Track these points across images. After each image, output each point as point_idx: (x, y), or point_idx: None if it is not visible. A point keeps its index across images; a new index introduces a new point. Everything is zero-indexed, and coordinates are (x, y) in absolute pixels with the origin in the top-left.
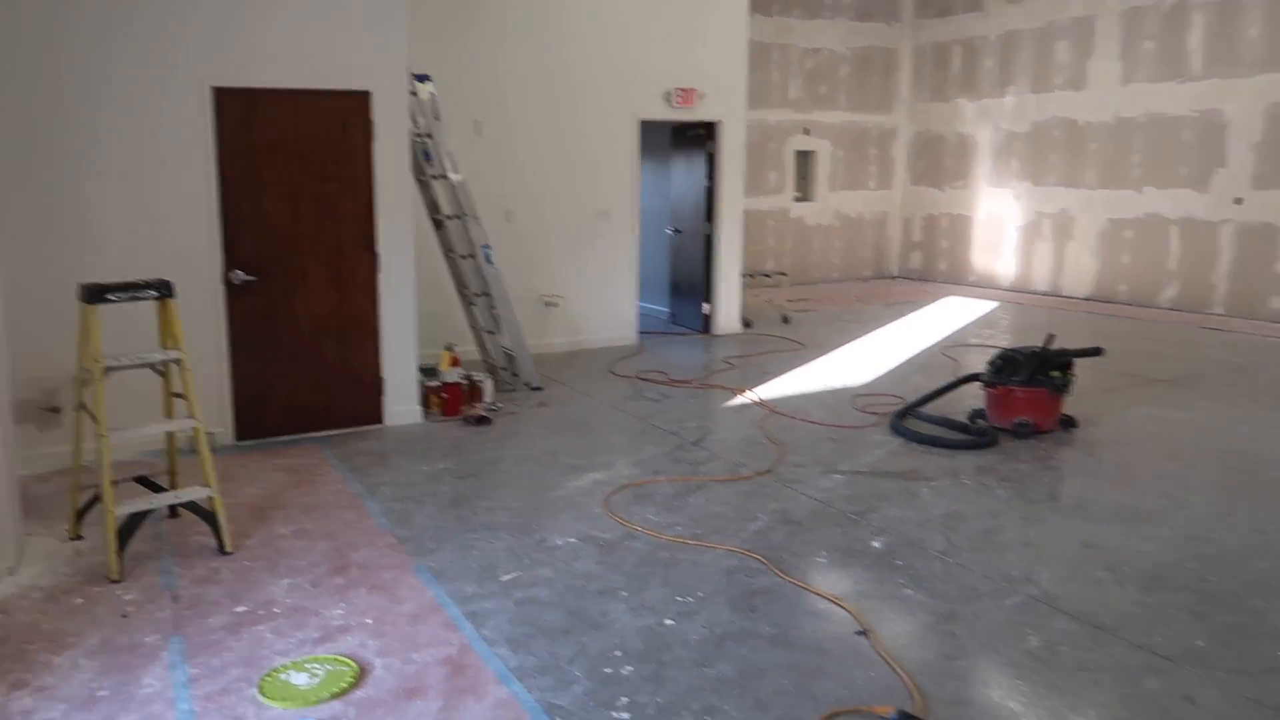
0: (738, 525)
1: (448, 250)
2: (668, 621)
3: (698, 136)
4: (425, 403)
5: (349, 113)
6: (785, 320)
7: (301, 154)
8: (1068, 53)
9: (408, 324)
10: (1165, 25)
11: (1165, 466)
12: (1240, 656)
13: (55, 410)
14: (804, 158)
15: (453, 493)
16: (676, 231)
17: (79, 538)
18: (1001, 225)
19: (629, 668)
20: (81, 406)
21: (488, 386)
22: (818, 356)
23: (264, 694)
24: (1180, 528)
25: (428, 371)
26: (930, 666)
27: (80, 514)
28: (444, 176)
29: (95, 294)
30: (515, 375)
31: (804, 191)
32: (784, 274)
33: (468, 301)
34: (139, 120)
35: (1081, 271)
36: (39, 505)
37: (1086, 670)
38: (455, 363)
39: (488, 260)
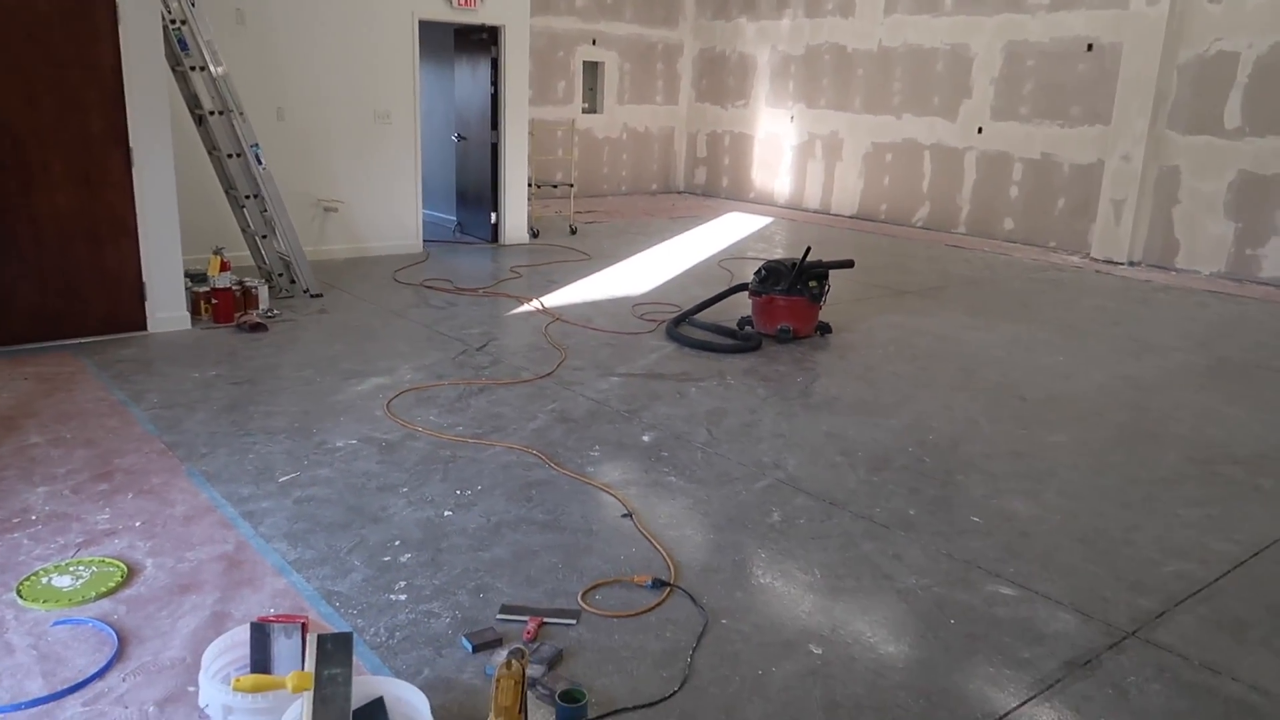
0: (518, 424)
1: (211, 148)
2: (446, 513)
3: (481, 40)
4: (194, 309)
5: None
6: (572, 231)
7: (35, 37)
8: None
9: (169, 225)
10: None
11: (902, 367)
12: (941, 522)
13: None
14: (592, 69)
15: (226, 399)
16: (461, 138)
17: None
18: (779, 145)
19: (407, 555)
20: None
21: (263, 293)
22: (603, 267)
23: (23, 596)
24: (908, 419)
25: (196, 277)
26: (686, 541)
27: None
28: (204, 68)
29: None
30: (293, 281)
31: (592, 103)
32: (571, 185)
33: (237, 204)
34: None
35: (848, 191)
36: None
37: (817, 538)
38: (225, 267)
39: (257, 160)
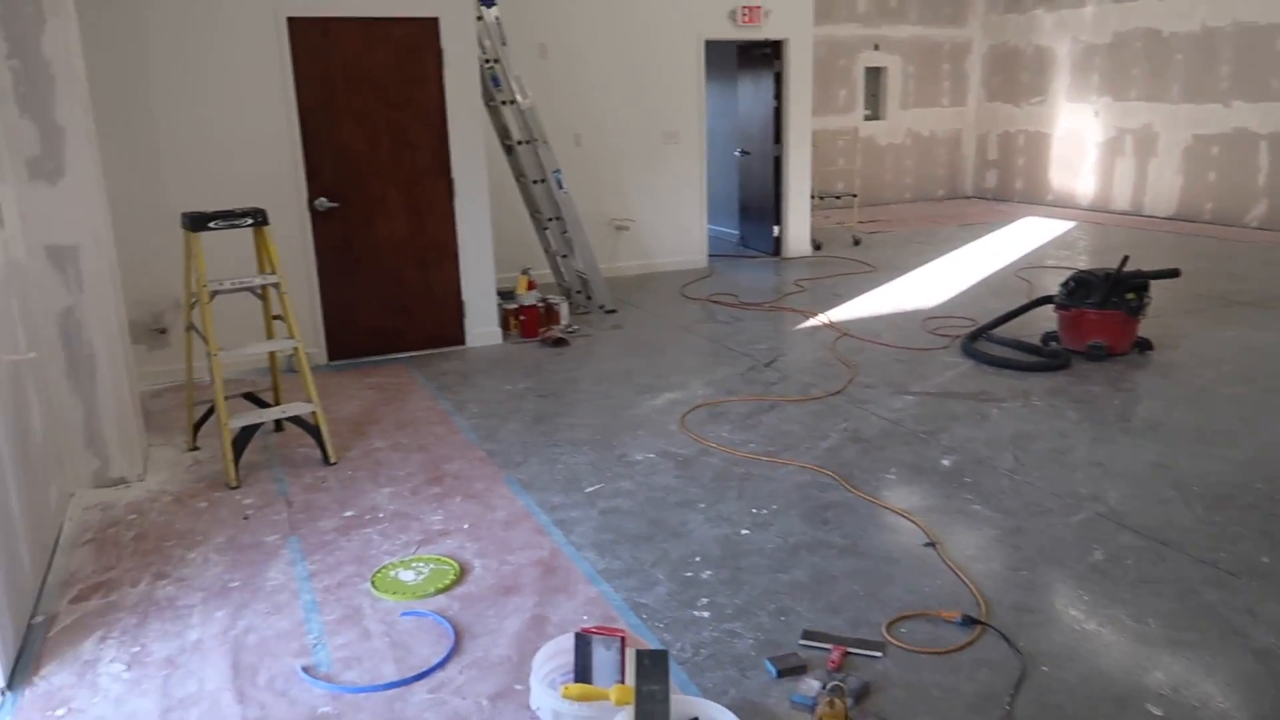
0: (809, 443)
1: (519, 175)
2: (743, 531)
3: (764, 55)
4: (504, 325)
5: (419, 39)
6: (856, 242)
7: (375, 82)
8: None
9: (484, 248)
10: None
11: (1240, 389)
12: None
13: (162, 331)
14: (874, 75)
15: (535, 410)
16: (744, 153)
17: (196, 448)
18: (1081, 142)
19: (708, 572)
20: (191, 328)
21: (563, 309)
22: (889, 279)
23: (376, 588)
24: (1252, 450)
25: (505, 295)
26: (995, 576)
27: (196, 427)
28: (513, 101)
29: (198, 222)
30: (589, 298)
31: (874, 110)
32: (854, 195)
33: (541, 226)
34: (219, 52)
35: (1164, 190)
36: (155, 419)
37: (1148, 582)
38: (531, 286)
39: (559, 185)
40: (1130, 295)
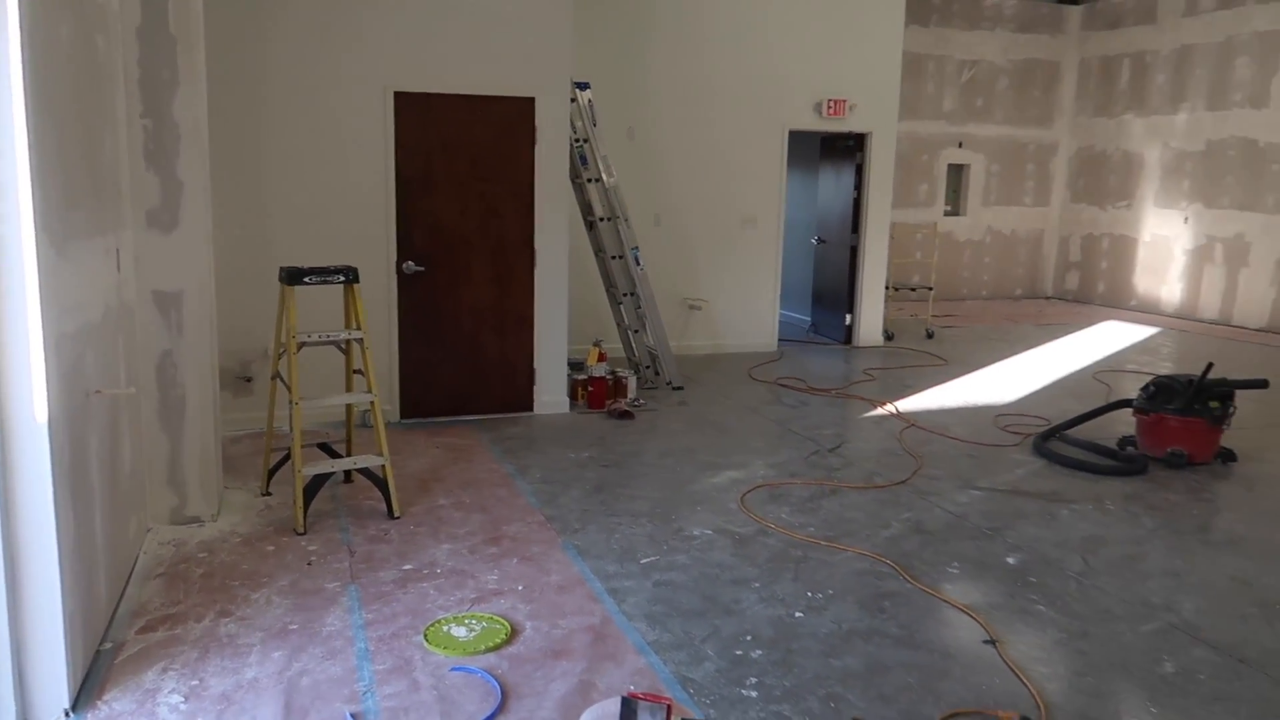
0: (870, 530)
1: (598, 250)
2: (797, 614)
3: (847, 147)
4: (572, 394)
5: (515, 117)
6: (929, 335)
7: (470, 155)
8: (1249, 68)
9: (560, 318)
10: None
11: None
12: None
13: (248, 380)
14: (956, 171)
15: (596, 479)
16: (821, 241)
17: (268, 494)
18: (1168, 248)
19: (758, 652)
20: (276, 376)
21: (631, 383)
22: (961, 374)
23: (429, 641)
24: None
25: (575, 365)
26: (1058, 679)
27: (270, 473)
28: (598, 180)
29: (295, 276)
30: (657, 373)
31: (955, 206)
32: (930, 288)
33: (615, 300)
34: (330, 121)
35: (1256, 300)
36: (233, 463)
37: (1223, 700)
38: (602, 358)
39: (636, 262)
40: (1214, 403)
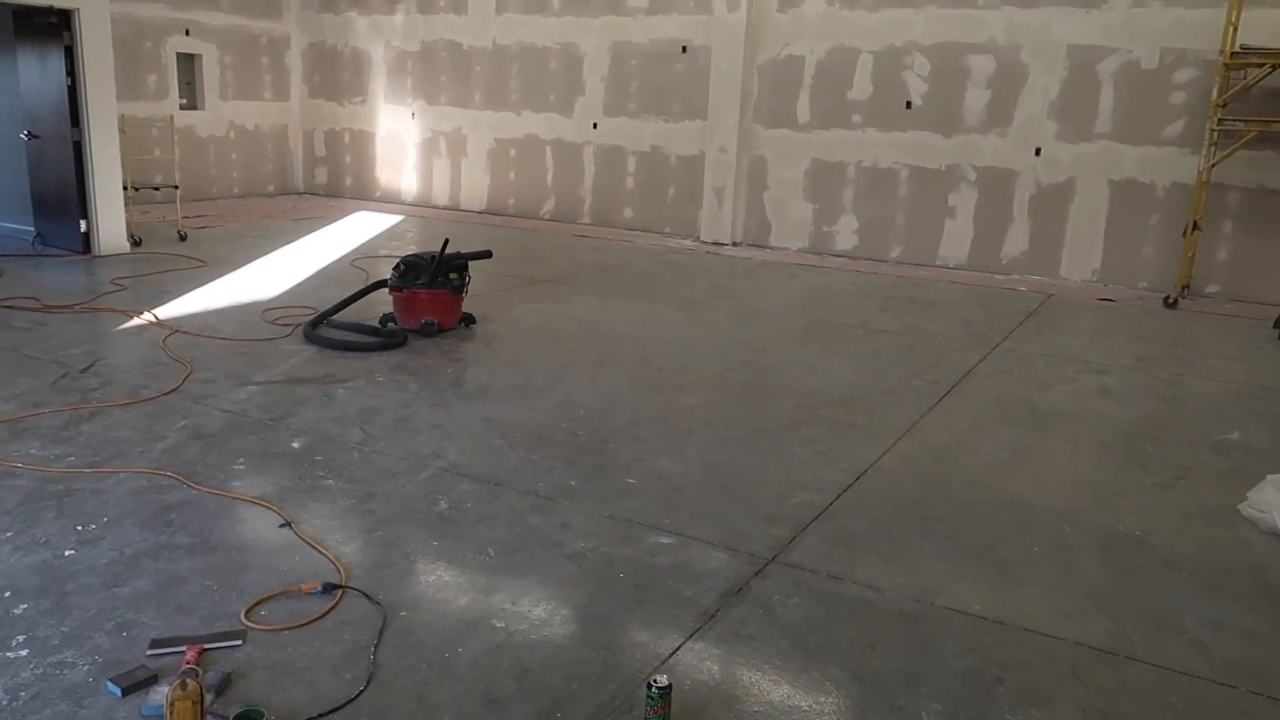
0: (143, 446)
1: None
2: (68, 552)
3: (50, 25)
4: None
5: None
6: (182, 238)
7: None
8: None
9: None
10: None
11: (547, 351)
12: (601, 488)
13: None
14: (189, 61)
15: None
16: (34, 136)
17: None
18: (402, 142)
19: (22, 606)
20: None
21: None
22: (223, 274)
23: None
24: (558, 398)
25: None
26: (353, 541)
27: None
28: None
29: None
30: None
31: (191, 99)
32: (176, 188)
33: None
34: None
35: (476, 187)
36: None
37: (486, 519)
38: None
39: None
40: (453, 275)
